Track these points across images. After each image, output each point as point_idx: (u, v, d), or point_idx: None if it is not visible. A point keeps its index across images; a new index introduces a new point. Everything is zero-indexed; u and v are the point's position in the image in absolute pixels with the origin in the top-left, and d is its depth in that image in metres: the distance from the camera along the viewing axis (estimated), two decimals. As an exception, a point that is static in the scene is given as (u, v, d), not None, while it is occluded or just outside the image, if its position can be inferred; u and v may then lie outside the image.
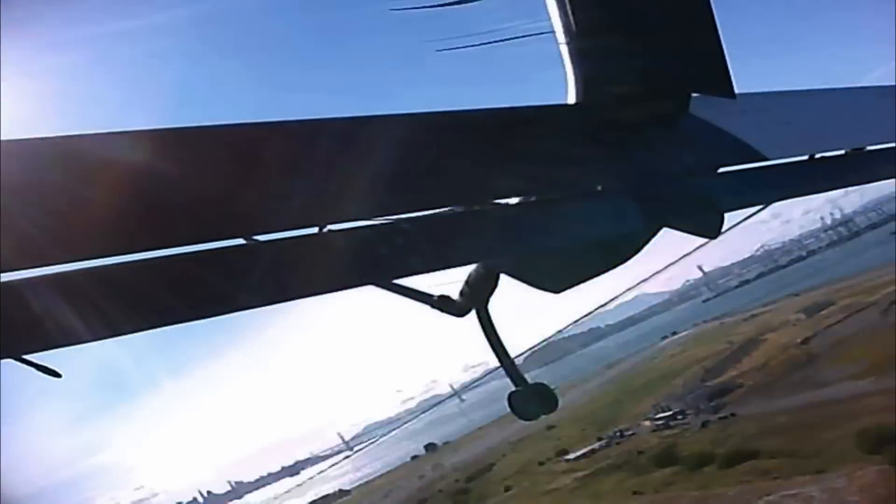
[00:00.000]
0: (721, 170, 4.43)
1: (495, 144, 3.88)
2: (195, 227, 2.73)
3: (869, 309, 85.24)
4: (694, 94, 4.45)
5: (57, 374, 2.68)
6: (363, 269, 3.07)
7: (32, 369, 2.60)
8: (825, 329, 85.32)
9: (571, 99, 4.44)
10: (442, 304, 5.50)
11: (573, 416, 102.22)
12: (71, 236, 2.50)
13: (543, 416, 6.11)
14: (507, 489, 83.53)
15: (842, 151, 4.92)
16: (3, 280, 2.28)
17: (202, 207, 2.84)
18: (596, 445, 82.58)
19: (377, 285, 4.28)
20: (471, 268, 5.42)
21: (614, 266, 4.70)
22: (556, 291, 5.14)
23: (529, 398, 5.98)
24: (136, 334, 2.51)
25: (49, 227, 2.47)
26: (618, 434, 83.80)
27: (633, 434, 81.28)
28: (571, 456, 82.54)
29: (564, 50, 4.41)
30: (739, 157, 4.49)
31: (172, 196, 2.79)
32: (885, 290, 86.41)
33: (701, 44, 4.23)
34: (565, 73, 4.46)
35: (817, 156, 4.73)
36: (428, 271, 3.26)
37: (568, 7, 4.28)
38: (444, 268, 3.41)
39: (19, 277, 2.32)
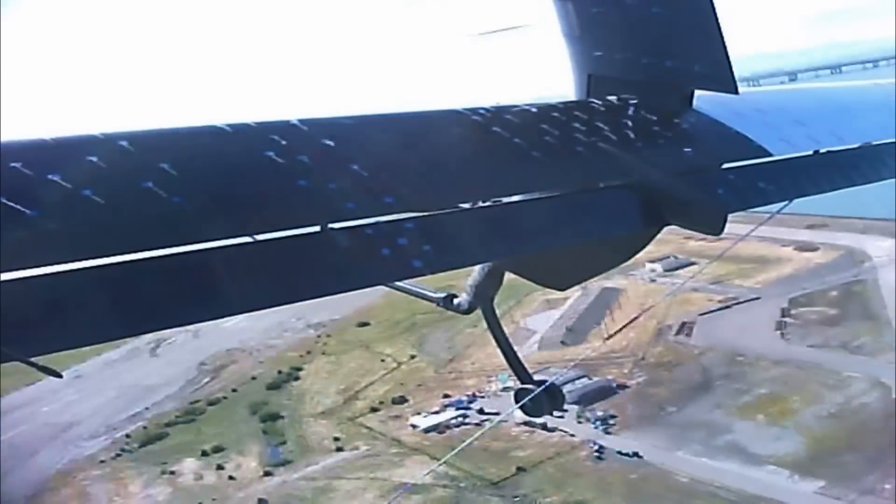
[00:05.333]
0: (725, 166, 4.44)
1: (499, 142, 3.87)
2: (197, 227, 2.74)
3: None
4: (697, 91, 4.52)
5: (58, 375, 2.68)
6: (366, 269, 3.06)
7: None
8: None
9: (574, 96, 4.66)
10: (447, 302, 5.73)
11: (391, 318, 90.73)
12: (71, 236, 2.51)
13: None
14: (335, 439, 70.30)
15: (846, 147, 4.89)
16: (2, 280, 2.27)
17: (203, 206, 2.84)
18: (451, 418, 70.70)
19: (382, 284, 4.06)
20: (475, 266, 5.42)
21: (618, 263, 4.77)
22: (561, 288, 5.45)
23: (536, 395, 5.86)
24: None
25: (49, 227, 2.48)
26: (470, 405, 72.05)
27: (486, 417, 68.05)
28: (420, 423, 70.76)
29: (567, 46, 4.60)
30: (742, 153, 4.52)
31: (173, 195, 2.76)
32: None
33: (704, 40, 4.36)
34: (569, 70, 4.66)
35: (822, 151, 4.73)
36: (432, 272, 3.22)
37: (571, 4, 4.52)
38: (448, 268, 3.38)
39: (19, 277, 2.31)
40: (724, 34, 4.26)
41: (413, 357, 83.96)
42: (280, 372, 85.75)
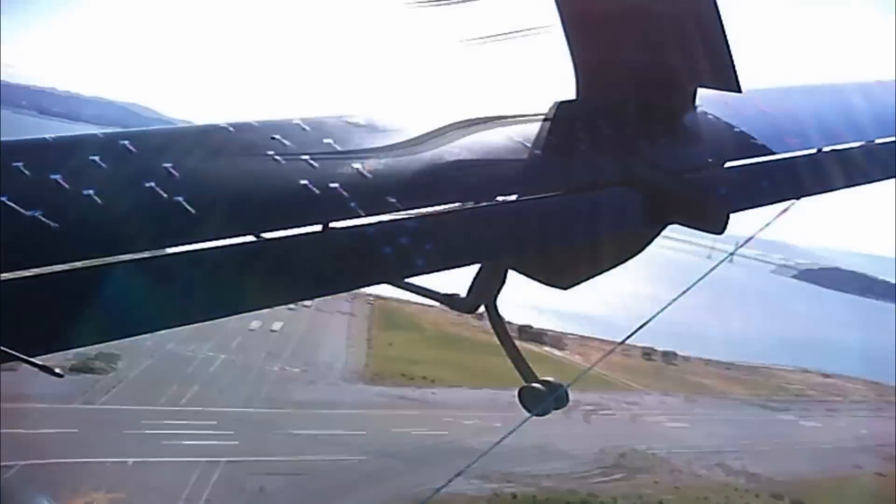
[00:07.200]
0: (727, 164, 4.38)
1: (500, 141, 3.75)
2: (198, 226, 2.65)
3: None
4: (700, 88, 4.40)
5: (59, 374, 2.52)
6: (367, 268, 3.00)
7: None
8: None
9: (574, 94, 4.43)
10: (450, 301, 5.14)
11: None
12: (71, 236, 2.42)
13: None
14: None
15: (849, 145, 4.87)
16: (2, 280, 2.21)
17: (204, 205, 2.72)
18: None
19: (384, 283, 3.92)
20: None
21: (620, 262, 4.54)
22: (564, 288, 4.89)
23: (539, 393, 5.24)
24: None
25: (49, 227, 2.37)
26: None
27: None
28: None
29: (568, 44, 4.36)
30: (745, 152, 4.44)
31: (175, 194, 2.67)
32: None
33: (707, 37, 4.15)
34: (568, 67, 4.41)
35: (825, 149, 4.70)
36: (435, 271, 3.15)
37: (571, 1, 4.30)
38: (451, 267, 3.29)
39: (19, 277, 2.25)
40: (728, 31, 4.04)
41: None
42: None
